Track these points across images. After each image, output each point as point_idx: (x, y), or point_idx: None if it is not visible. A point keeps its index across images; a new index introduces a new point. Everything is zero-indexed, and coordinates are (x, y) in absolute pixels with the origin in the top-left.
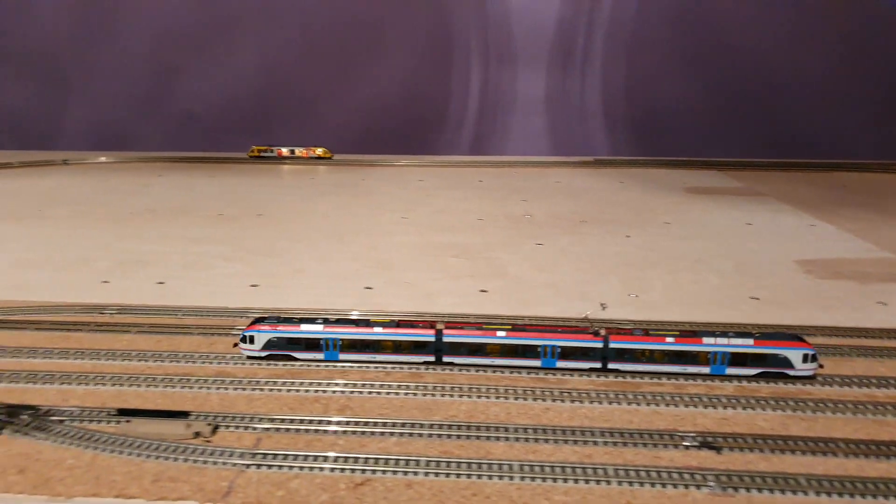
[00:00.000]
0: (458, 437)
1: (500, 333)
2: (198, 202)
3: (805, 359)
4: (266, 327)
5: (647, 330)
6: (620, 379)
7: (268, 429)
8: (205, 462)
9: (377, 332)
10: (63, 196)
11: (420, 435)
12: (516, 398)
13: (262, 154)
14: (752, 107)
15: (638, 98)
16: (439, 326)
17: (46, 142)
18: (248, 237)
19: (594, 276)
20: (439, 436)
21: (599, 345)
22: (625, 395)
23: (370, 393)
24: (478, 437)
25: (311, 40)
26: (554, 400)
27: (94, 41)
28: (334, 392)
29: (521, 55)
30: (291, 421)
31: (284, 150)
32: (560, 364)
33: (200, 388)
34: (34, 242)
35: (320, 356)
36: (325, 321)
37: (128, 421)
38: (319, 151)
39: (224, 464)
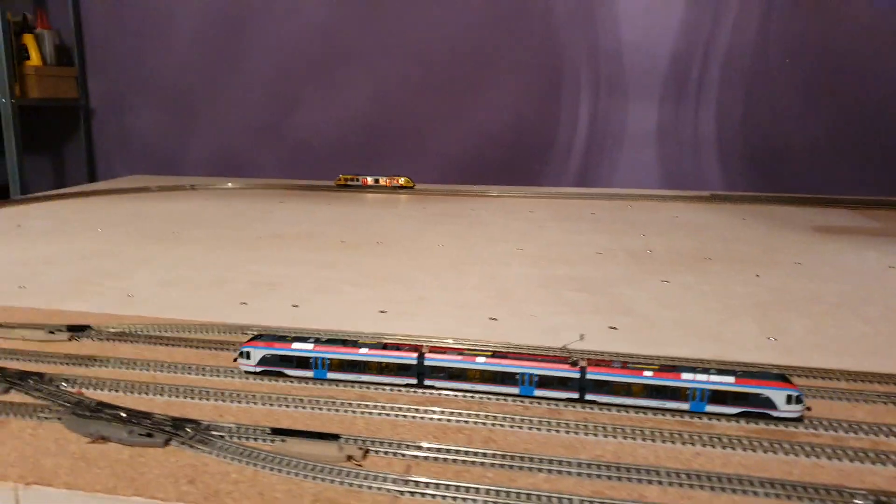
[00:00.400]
0: (609, 477)
1: (480, 359)
2: (319, 229)
3: (789, 400)
4: (261, 344)
5: (626, 363)
6: (773, 427)
7: (416, 456)
8: (360, 486)
9: (363, 353)
10: (195, 219)
11: (569, 473)
12: (663, 441)
13: (349, 182)
14: (888, 140)
15: (756, 131)
16: (423, 350)
17: (173, 167)
18: (371, 264)
19: (726, 317)
20: (588, 475)
21: (577, 375)
22: (780, 444)
23: (512, 427)
24: (629, 479)
25: (422, 72)
26: (704, 445)
27: (221, 74)
28: (476, 423)
29: (632, 87)
30: (438, 450)
31: (369, 179)
32: (538, 392)
33: (346, 411)
34: (174, 263)
35: (310, 374)
36: (317, 341)
37: (283, 440)
38: (402, 181)
39: (378, 489)
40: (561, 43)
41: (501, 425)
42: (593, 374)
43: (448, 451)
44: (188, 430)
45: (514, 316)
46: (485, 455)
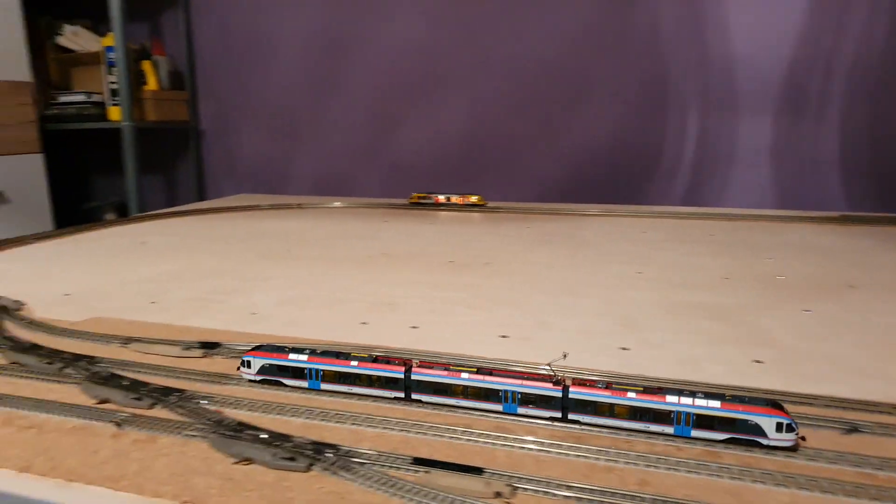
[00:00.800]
0: None
1: (465, 375)
2: (425, 248)
3: (779, 428)
4: (261, 354)
5: (611, 383)
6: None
7: (567, 497)
8: None
9: (353, 366)
10: (305, 237)
11: None
12: (846, 495)
13: (421, 200)
14: None
15: (886, 147)
16: (411, 364)
17: (276, 187)
18: (483, 285)
19: (882, 351)
20: None
21: (559, 394)
22: None
23: (668, 469)
24: None
25: (519, 90)
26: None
27: (323, 95)
28: (626, 464)
29: (744, 102)
30: (591, 490)
31: (441, 197)
32: (521, 410)
33: (484, 442)
34: (291, 281)
35: (305, 384)
36: (312, 352)
37: (426, 472)
38: (474, 199)
39: None
40: (666, 57)
41: (655, 467)
42: (576, 394)
43: (602, 492)
44: (329, 454)
45: (644, 345)
46: (643, 499)
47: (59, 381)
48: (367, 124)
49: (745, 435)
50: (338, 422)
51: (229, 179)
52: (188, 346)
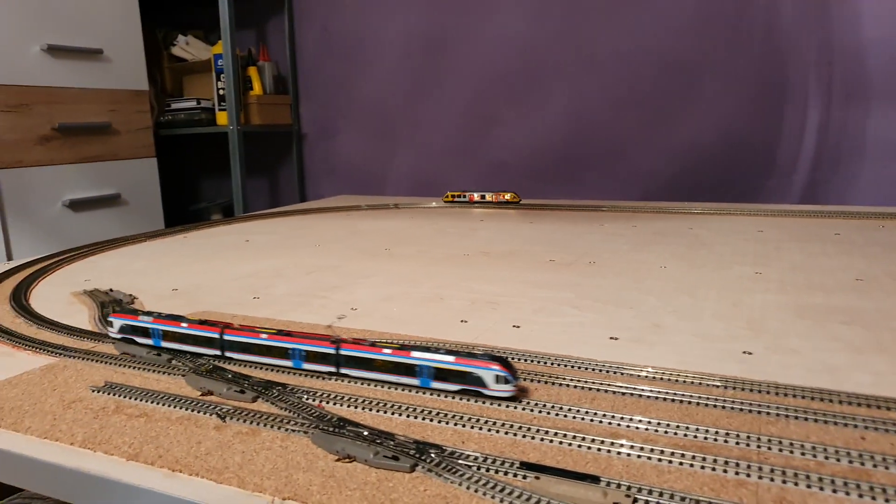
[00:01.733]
0: None
1: (264, 336)
2: (524, 247)
3: (498, 380)
4: (123, 316)
5: (376, 342)
6: None
7: None
8: None
9: (182, 327)
10: (403, 236)
11: None
12: None
13: (456, 199)
14: None
15: None
16: (229, 325)
17: (374, 187)
18: (588, 285)
19: None
20: None
21: (333, 351)
22: None
23: (809, 487)
24: None
25: (624, 85)
26: None
27: (420, 96)
28: (760, 478)
29: (876, 91)
30: None
31: (476, 195)
32: (305, 366)
33: (599, 449)
34: (390, 279)
35: (150, 342)
36: (158, 315)
37: (536, 477)
38: (508, 196)
39: None
40: (785, 45)
41: (794, 483)
42: (345, 351)
43: None
44: (432, 455)
45: (773, 351)
46: None
47: (166, 373)
48: (465, 123)
49: (472, 386)
50: (440, 421)
51: (328, 181)
52: None
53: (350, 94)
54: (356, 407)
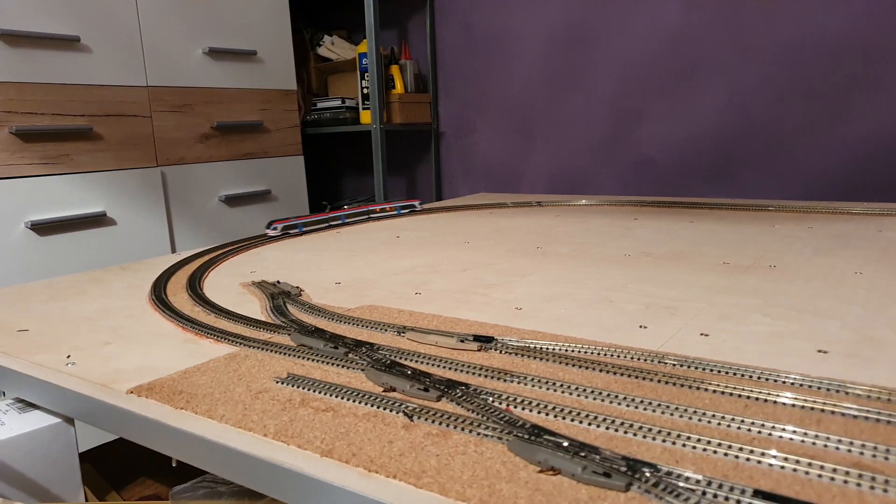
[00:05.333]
0: None
1: None
2: (691, 248)
3: None
4: None
5: None
6: None
7: None
8: None
9: None
10: (552, 234)
11: None
12: None
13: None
14: None
15: None
16: None
17: (511, 185)
18: (775, 291)
19: None
20: None
21: None
22: None
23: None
24: None
25: (789, 75)
26: None
27: (562, 91)
28: None
29: None
30: None
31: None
32: None
33: (845, 482)
34: (549, 278)
35: None
36: None
37: None
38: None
39: None
40: None
41: (885, 490)
42: None
43: None
44: (647, 473)
45: None
46: None
47: (344, 366)
48: (608, 119)
49: None
50: (645, 436)
51: (465, 179)
52: (463, 339)
53: (488, 91)
54: (547, 413)
